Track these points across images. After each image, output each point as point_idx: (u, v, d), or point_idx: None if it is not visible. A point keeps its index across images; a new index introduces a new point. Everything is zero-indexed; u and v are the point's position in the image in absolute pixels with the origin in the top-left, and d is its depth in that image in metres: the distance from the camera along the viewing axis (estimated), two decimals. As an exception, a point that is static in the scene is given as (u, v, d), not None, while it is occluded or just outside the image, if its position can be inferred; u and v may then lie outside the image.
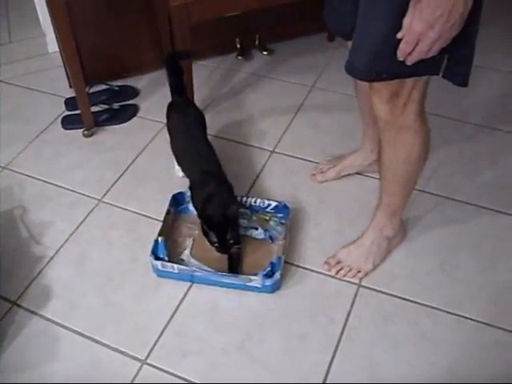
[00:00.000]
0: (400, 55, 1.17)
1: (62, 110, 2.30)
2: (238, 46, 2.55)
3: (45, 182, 2.01)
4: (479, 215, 1.87)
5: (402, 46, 1.15)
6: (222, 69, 2.54)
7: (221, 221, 1.62)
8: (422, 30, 1.09)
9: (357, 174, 1.99)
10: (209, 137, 1.97)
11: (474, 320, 1.59)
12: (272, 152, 2.12)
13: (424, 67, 1.21)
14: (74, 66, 2.02)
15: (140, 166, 2.07)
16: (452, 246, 1.78)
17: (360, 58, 1.28)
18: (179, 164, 1.87)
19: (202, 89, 2.35)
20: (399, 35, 1.14)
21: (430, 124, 1.45)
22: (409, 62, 1.17)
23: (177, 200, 1.83)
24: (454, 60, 1.22)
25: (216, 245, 1.64)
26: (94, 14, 2.24)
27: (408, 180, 1.59)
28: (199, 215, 1.67)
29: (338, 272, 1.70)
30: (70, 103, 2.29)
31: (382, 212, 1.69)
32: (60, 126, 2.23)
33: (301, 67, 2.53)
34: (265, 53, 2.57)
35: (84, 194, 1.96)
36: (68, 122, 2.23)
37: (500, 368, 1.49)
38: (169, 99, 2.21)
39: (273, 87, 2.43)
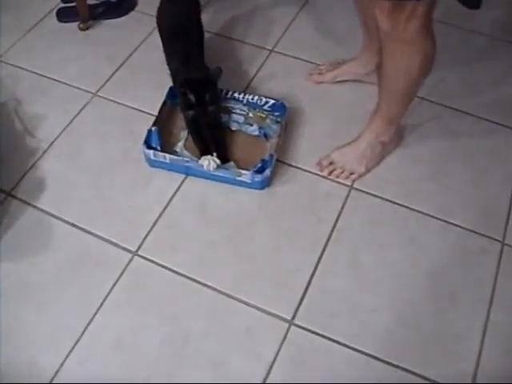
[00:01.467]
0: None
1: (57, 2, 2.22)
2: None
3: (39, 74, 1.98)
4: (477, 126, 1.85)
5: None
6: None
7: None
8: None
9: (354, 80, 1.94)
10: (208, 34, 1.93)
11: (461, 227, 1.61)
12: (271, 51, 2.07)
13: None
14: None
15: (136, 61, 2.03)
16: (446, 155, 1.77)
17: None
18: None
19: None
20: None
21: (436, 32, 1.39)
22: None
23: (173, 92, 1.79)
24: None
25: (191, 112, 1.66)
26: None
27: (407, 91, 1.56)
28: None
29: (330, 173, 1.70)
30: (65, -6, 2.21)
31: (379, 118, 1.66)
32: (55, 18, 2.16)
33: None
34: None
35: (79, 88, 1.94)
36: (63, 15, 2.16)
37: (479, 275, 1.52)
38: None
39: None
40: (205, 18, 2.11)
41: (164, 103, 1.77)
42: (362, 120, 1.73)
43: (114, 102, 1.89)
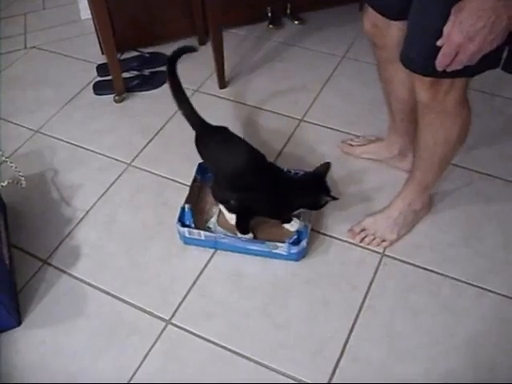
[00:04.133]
0: (438, 66, 1.14)
1: (93, 76, 2.33)
2: (270, 14, 2.54)
3: (76, 145, 2.05)
4: (508, 190, 1.85)
5: (440, 57, 1.12)
6: (252, 37, 2.53)
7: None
8: (461, 42, 1.06)
9: (379, 160, 1.96)
10: (238, 104, 1.98)
11: (496, 293, 1.58)
12: (301, 121, 2.12)
13: (485, 64, 1.17)
14: (105, 33, 2.04)
15: (169, 133, 2.09)
16: (477, 220, 1.77)
17: (416, 50, 1.26)
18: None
19: (232, 57, 2.36)
20: (439, 43, 1.11)
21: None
22: (448, 69, 1.14)
23: (203, 168, 1.84)
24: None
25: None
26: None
27: (444, 160, 1.58)
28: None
29: (362, 240, 1.71)
30: (101, 69, 2.32)
31: (412, 187, 1.68)
32: (91, 91, 2.26)
33: (332, 37, 2.51)
34: (296, 22, 2.56)
35: (114, 158, 2.00)
36: (99, 88, 2.26)
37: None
38: (198, 67, 2.25)
39: (303, 56, 2.43)
40: (234, 89, 2.21)
41: (194, 179, 1.81)
42: (391, 192, 1.76)
43: (148, 171, 1.95)
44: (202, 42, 2.47)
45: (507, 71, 1.21)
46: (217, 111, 2.15)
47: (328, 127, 2.09)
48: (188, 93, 2.19)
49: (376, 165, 1.94)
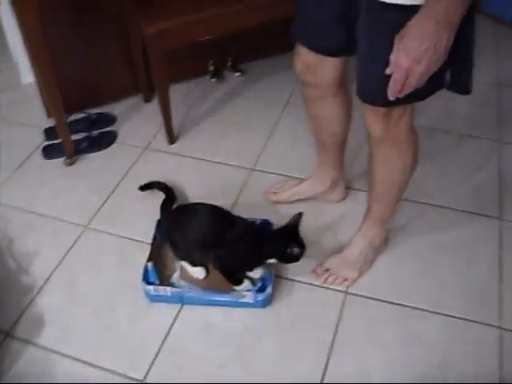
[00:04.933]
0: (391, 93, 1.20)
1: (41, 141, 2.32)
2: (211, 68, 2.60)
3: (29, 211, 2.02)
4: (457, 218, 1.95)
5: (391, 84, 1.18)
6: (196, 91, 2.59)
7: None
8: (409, 66, 1.12)
9: (310, 199, 2.01)
10: (188, 159, 2.02)
11: (460, 318, 1.65)
12: (252, 170, 2.17)
13: (433, 86, 1.25)
14: (54, 97, 2.05)
15: (123, 191, 2.10)
16: (433, 250, 1.85)
17: (369, 83, 1.34)
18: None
19: (178, 112, 2.39)
20: (388, 71, 1.17)
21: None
22: (400, 96, 1.21)
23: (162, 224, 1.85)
24: (456, 72, 1.26)
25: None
26: (68, 43, 2.26)
27: (401, 190, 1.66)
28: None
29: (325, 280, 1.75)
30: (49, 133, 2.31)
31: (372, 222, 1.74)
32: (40, 156, 2.25)
33: (274, 85, 2.59)
34: (237, 74, 2.63)
35: (69, 222, 1.98)
36: (49, 152, 2.25)
37: (485, 361, 1.55)
38: (145, 124, 2.28)
39: (248, 106, 2.49)
40: (183, 143, 2.25)
41: (154, 237, 1.81)
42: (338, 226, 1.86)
43: (106, 232, 1.94)
44: (147, 100, 2.51)
45: (453, 91, 1.31)
46: (167, 167, 2.18)
47: (278, 173, 2.14)
48: (137, 151, 2.25)
49: (310, 204, 1.99)
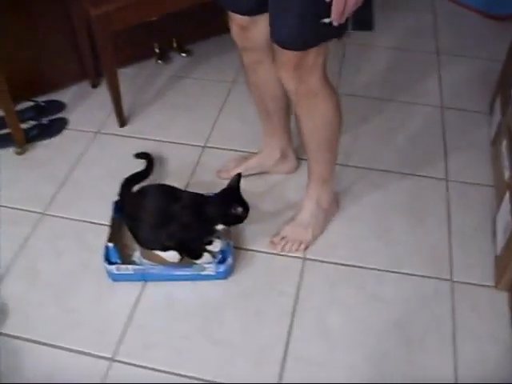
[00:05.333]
0: (335, 17, 1.28)
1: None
2: (157, 50, 2.61)
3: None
4: (403, 181, 2.04)
5: (334, 7, 1.26)
6: (144, 74, 2.59)
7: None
8: None
9: (262, 173, 2.08)
10: (140, 140, 2.05)
11: (413, 275, 1.74)
12: (204, 147, 2.20)
13: (339, 28, 1.35)
14: (0, 86, 2.02)
15: (77, 177, 2.10)
16: (382, 212, 1.94)
17: (285, 29, 1.41)
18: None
19: (127, 94, 2.39)
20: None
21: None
22: (339, 22, 1.30)
23: (118, 206, 1.86)
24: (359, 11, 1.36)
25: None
26: (10, 30, 2.23)
27: (330, 144, 1.72)
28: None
29: (282, 248, 1.81)
30: (-4, 124, 2.29)
31: (314, 182, 1.81)
32: (-11, 146, 2.23)
33: (219, 65, 2.62)
34: (183, 54, 2.65)
35: (26, 210, 1.97)
36: (-2, 146, 2.23)
37: (439, 314, 1.65)
38: (94, 109, 2.29)
39: (196, 87, 2.52)
40: (134, 126, 2.26)
41: (113, 218, 1.83)
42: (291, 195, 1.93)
43: (63, 218, 1.94)
44: (95, 85, 2.50)
45: (357, 29, 1.45)
46: (120, 150, 2.19)
47: (231, 149, 2.18)
48: (88, 135, 2.26)
49: (262, 178, 2.07)
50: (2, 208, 1.99)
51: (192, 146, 2.21)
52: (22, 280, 1.77)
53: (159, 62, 2.61)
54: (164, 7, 2.10)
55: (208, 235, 1.75)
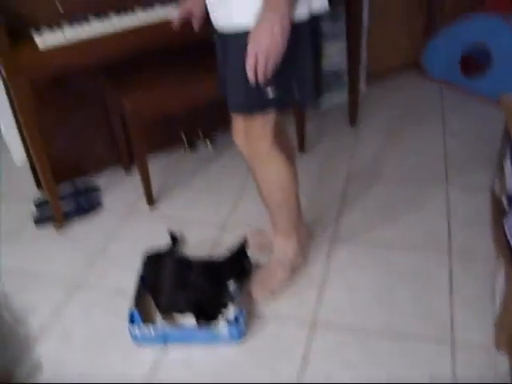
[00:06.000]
0: (250, 76, 1.51)
1: (32, 210, 2.54)
2: (184, 139, 2.88)
3: (23, 271, 2.23)
4: (406, 253, 2.21)
5: (248, 67, 1.50)
6: (171, 161, 2.87)
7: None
8: (253, 46, 1.46)
9: None
10: (165, 220, 2.32)
11: (415, 340, 1.87)
12: (223, 227, 2.41)
13: (281, 95, 1.63)
14: (44, 169, 2.30)
15: (110, 251, 2.32)
16: (385, 280, 2.09)
17: (233, 97, 1.70)
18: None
19: (155, 179, 2.63)
20: (247, 63, 1.49)
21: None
22: (259, 77, 1.51)
23: (142, 277, 2.07)
24: (302, 90, 1.67)
25: None
26: (54, 120, 2.54)
27: (286, 204, 1.96)
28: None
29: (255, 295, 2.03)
30: (39, 203, 2.55)
31: (278, 236, 2.05)
32: (32, 223, 2.47)
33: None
34: (208, 143, 2.91)
35: (62, 278, 2.18)
36: (39, 220, 2.47)
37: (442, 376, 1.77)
38: (126, 191, 2.55)
39: (218, 173, 2.77)
40: (162, 207, 2.49)
41: (138, 286, 2.03)
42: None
43: (95, 286, 2.15)
44: (127, 170, 2.78)
45: (303, 106, 1.85)
46: (148, 227, 2.42)
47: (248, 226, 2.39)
48: (121, 214, 2.49)
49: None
50: (39, 277, 2.20)
51: (213, 225, 2.43)
52: (56, 341, 1.95)
53: (186, 149, 2.88)
54: (190, 102, 2.39)
55: (222, 294, 1.94)
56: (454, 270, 2.12)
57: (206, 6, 1.83)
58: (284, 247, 2.06)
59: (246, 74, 1.53)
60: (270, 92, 1.61)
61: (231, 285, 1.95)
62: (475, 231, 2.27)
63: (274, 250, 2.07)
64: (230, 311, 1.92)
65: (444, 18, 3.40)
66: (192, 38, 2.13)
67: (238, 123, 1.76)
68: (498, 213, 2.13)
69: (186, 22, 1.96)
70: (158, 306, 1.97)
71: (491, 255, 2.09)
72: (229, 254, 2.06)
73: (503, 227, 1.95)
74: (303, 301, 2.04)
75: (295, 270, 2.10)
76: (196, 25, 1.96)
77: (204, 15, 1.89)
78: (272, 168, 1.84)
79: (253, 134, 1.76)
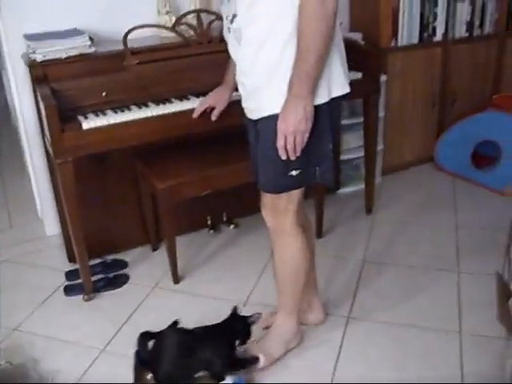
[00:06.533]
0: (282, 153, 1.71)
1: (62, 281, 2.69)
2: (209, 222, 3.05)
3: (52, 338, 2.34)
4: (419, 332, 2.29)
5: (279, 147, 1.71)
6: (196, 241, 3.03)
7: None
8: (287, 128, 1.68)
9: None
10: (189, 296, 2.50)
11: None
12: (244, 303, 2.53)
13: (304, 176, 1.82)
14: (80, 244, 2.47)
15: (135, 321, 2.43)
16: (397, 358, 2.16)
17: (262, 178, 1.90)
18: None
19: (181, 257, 2.77)
20: (278, 143, 1.71)
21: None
22: (292, 157, 1.72)
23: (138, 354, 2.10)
24: (322, 170, 1.84)
25: None
26: (89, 200, 2.72)
27: (294, 279, 2.07)
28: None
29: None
30: (69, 275, 2.70)
31: (280, 312, 2.15)
32: (62, 293, 2.61)
33: (262, 237, 2.90)
34: (232, 226, 3.07)
35: (88, 346, 2.29)
36: (69, 291, 2.61)
37: None
38: (153, 268, 2.70)
39: (241, 254, 2.92)
40: (187, 283, 2.63)
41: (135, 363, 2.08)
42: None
43: (119, 354, 2.24)
44: (155, 248, 2.94)
45: (322, 183, 1.95)
46: (173, 302, 2.55)
47: (269, 305, 2.48)
48: (146, 290, 2.63)
49: None
50: (67, 343, 2.31)
51: (233, 303, 2.53)
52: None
53: (211, 231, 3.04)
54: (218, 184, 2.59)
55: (232, 353, 2.04)
56: (464, 349, 2.20)
57: (228, 100, 2.24)
58: (282, 325, 2.15)
59: (272, 155, 1.74)
60: (293, 172, 1.79)
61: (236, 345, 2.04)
62: (485, 313, 2.35)
63: (272, 326, 2.18)
64: (235, 379, 2.00)
65: (455, 114, 3.66)
66: (220, 126, 2.38)
67: (266, 199, 1.95)
68: (504, 295, 2.23)
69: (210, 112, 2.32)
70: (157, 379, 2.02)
71: (500, 335, 2.17)
72: (224, 318, 2.13)
73: (509, 309, 2.04)
74: (316, 373, 2.12)
75: (289, 349, 2.17)
76: (215, 116, 2.32)
77: (225, 108, 2.25)
78: (290, 243, 1.99)
79: (278, 209, 1.93)
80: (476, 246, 2.87)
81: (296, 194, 1.90)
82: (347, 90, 1.83)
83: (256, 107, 1.82)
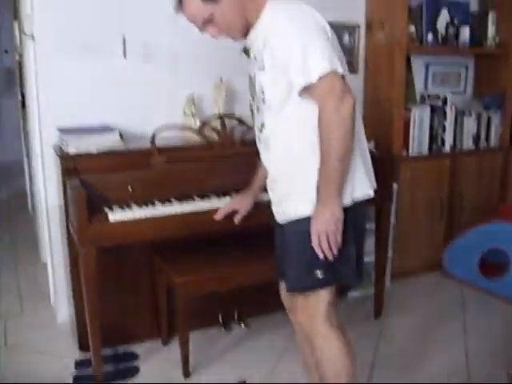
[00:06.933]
0: (319, 252, 1.78)
1: (71, 371, 2.68)
2: (221, 320, 3.07)
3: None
4: None
5: (315, 246, 1.78)
6: (207, 337, 3.03)
7: None
8: (318, 229, 1.76)
9: None
10: None
11: None
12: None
13: (327, 280, 1.86)
14: (96, 333, 2.50)
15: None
16: None
17: (290, 280, 1.95)
18: None
19: (192, 352, 2.76)
20: (313, 241, 1.78)
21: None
22: (330, 256, 1.79)
23: None
24: (346, 272, 1.89)
25: None
26: (105, 290, 2.73)
27: (331, 379, 2.00)
28: None
29: None
30: (80, 364, 2.70)
31: None
32: (71, 380, 2.61)
33: (272, 337, 3.04)
34: (242, 325, 3.09)
35: None
36: (79, 378, 2.61)
37: None
38: (163, 362, 2.71)
39: (250, 353, 2.92)
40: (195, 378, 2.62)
41: None
42: None
43: None
44: (165, 343, 2.96)
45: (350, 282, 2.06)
46: None
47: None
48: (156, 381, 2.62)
49: None
50: None
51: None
52: None
53: (222, 329, 3.06)
54: (237, 282, 2.66)
55: None
56: None
57: (251, 205, 2.34)
58: None
59: (300, 257, 1.83)
60: (319, 273, 1.85)
61: None
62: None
63: None
64: None
65: (463, 222, 3.78)
66: (239, 227, 2.46)
67: (295, 301, 1.99)
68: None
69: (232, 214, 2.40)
70: None
71: None
72: None
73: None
74: None
75: None
76: (237, 221, 2.40)
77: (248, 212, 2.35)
78: (324, 343, 1.96)
79: (308, 312, 1.94)
80: (485, 353, 2.89)
81: (326, 295, 1.92)
82: (371, 194, 1.92)
83: (283, 212, 1.93)
